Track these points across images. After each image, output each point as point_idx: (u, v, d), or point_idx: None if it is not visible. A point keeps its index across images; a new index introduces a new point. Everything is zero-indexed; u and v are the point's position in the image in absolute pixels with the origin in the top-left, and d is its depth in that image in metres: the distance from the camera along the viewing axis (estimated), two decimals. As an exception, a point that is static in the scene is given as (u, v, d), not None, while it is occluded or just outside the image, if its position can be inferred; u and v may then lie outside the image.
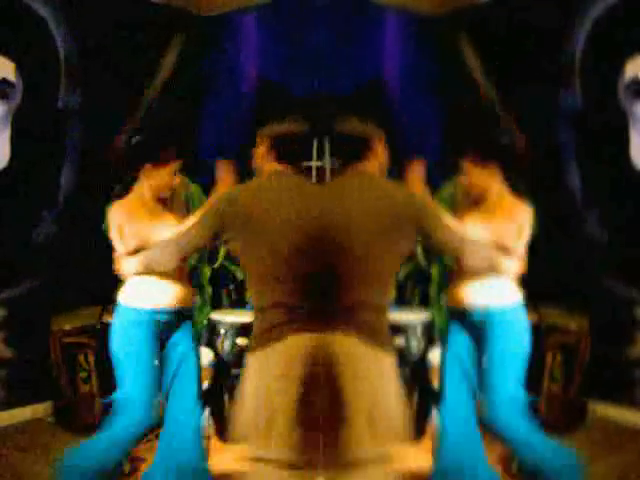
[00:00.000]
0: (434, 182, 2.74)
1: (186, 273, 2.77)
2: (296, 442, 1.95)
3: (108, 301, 2.95)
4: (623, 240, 3.97)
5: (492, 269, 2.39)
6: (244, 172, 2.51)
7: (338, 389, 1.97)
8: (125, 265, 2.55)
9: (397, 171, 2.51)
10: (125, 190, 2.74)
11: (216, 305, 3.59)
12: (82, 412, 3.83)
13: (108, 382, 2.88)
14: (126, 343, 2.69)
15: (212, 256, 2.93)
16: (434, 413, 2.98)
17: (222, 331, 3.38)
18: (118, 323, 2.71)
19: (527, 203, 2.69)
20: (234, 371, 3.33)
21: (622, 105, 3.92)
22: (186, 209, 2.79)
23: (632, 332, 3.99)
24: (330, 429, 1.94)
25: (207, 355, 3.39)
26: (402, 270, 3.37)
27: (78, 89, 4.07)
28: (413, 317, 3.44)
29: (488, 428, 2.68)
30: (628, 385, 4.00)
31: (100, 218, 2.69)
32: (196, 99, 4.58)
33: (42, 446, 3.58)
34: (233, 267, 3.42)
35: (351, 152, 2.23)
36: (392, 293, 2.22)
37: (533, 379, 2.87)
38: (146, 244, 2.52)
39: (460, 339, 2.76)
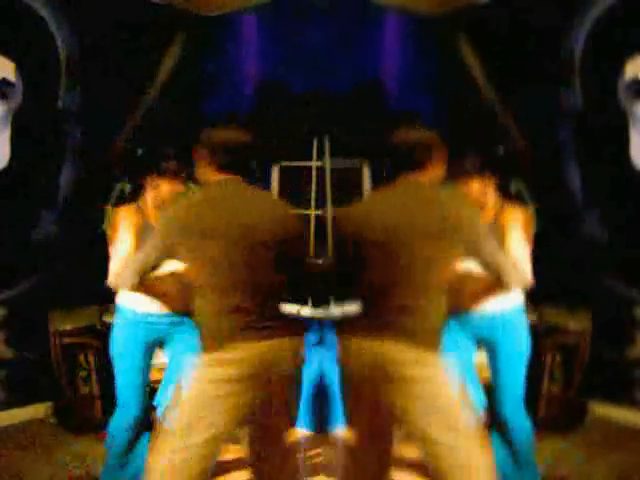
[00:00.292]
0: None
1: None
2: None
3: (108, 301, 2.96)
4: (623, 240, 3.97)
5: (523, 284, 2.39)
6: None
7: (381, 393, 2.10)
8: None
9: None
10: (132, 195, 2.74)
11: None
12: (82, 412, 3.83)
13: (108, 382, 2.88)
14: (120, 342, 2.72)
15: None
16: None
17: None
18: (116, 323, 2.75)
19: (527, 207, 2.68)
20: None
21: (622, 105, 3.92)
22: None
23: (632, 332, 3.99)
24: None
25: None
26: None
27: (78, 89, 4.06)
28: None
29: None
30: (628, 385, 4.01)
31: (100, 218, 2.69)
32: (196, 99, 4.57)
33: (42, 446, 3.59)
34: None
35: (410, 162, 2.23)
36: (441, 299, 2.20)
37: (533, 379, 2.87)
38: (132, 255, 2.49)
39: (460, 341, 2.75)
